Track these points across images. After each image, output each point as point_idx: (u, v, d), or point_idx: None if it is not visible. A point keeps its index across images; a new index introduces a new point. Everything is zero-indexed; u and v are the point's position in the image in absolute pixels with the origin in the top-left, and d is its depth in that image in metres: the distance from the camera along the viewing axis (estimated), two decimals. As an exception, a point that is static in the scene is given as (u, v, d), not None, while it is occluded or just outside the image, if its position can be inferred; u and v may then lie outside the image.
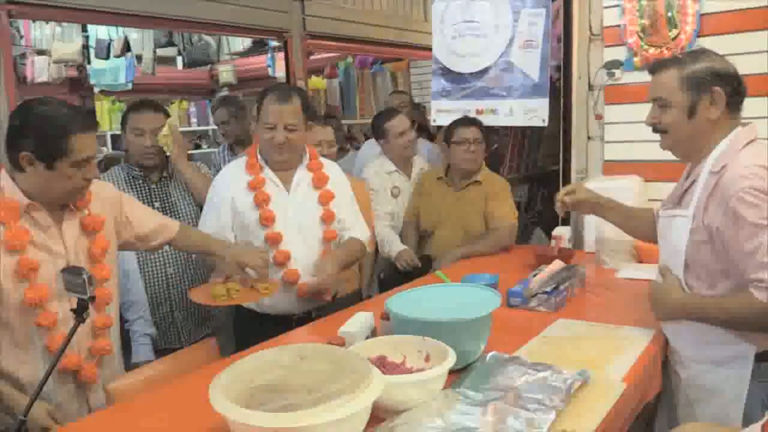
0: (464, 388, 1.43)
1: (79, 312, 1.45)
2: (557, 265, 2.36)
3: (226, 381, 1.20)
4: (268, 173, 2.35)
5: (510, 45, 3.09)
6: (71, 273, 1.50)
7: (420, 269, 3.00)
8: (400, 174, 3.31)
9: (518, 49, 3.07)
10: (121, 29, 5.39)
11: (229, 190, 2.34)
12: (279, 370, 1.25)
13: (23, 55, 5.58)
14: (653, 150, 2.80)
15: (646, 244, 2.61)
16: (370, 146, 3.46)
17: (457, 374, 1.54)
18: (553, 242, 2.75)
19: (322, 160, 2.48)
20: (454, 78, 3.28)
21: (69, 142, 1.65)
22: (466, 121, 3.08)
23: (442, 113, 3.33)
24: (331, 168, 2.50)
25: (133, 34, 5.94)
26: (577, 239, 2.94)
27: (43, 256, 1.71)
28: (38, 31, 5.60)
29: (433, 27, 3.34)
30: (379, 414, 1.32)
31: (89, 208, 1.84)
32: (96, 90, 6.04)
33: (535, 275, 2.25)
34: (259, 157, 2.37)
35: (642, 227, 2.14)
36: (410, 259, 3.06)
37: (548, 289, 2.13)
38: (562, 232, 2.77)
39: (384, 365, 1.48)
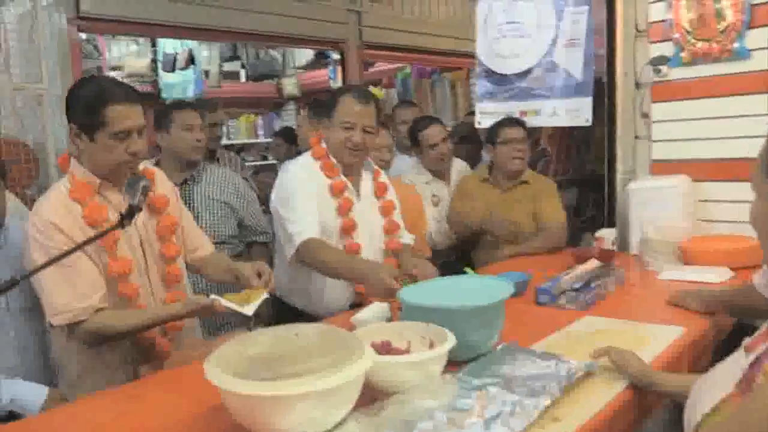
0: (464, 374, 1.41)
1: (126, 216, 1.56)
2: (592, 264, 2.29)
3: (221, 353, 1.24)
4: (344, 178, 2.28)
5: (553, 45, 3.04)
6: (134, 179, 1.63)
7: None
8: (437, 181, 3.27)
9: (562, 49, 3.02)
10: (186, 44, 5.64)
11: (315, 189, 2.22)
12: (270, 343, 1.27)
13: (99, 70, 5.97)
14: (702, 148, 2.72)
15: (691, 245, 2.51)
16: (401, 160, 3.45)
17: (466, 365, 1.52)
18: (595, 244, 2.67)
19: (375, 165, 2.48)
20: (498, 79, 3.26)
21: (105, 112, 1.67)
22: (511, 122, 3.05)
23: (485, 116, 3.30)
24: (384, 175, 2.50)
25: (204, 52, 6.24)
26: (623, 242, 2.84)
27: (118, 233, 1.76)
28: (115, 48, 5.97)
29: (477, 28, 3.33)
30: (377, 396, 1.33)
31: (153, 189, 1.88)
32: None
33: (567, 274, 2.19)
34: (332, 159, 2.28)
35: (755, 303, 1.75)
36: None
37: (577, 286, 2.07)
38: (604, 233, 2.69)
39: (387, 350, 1.47)
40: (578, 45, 2.96)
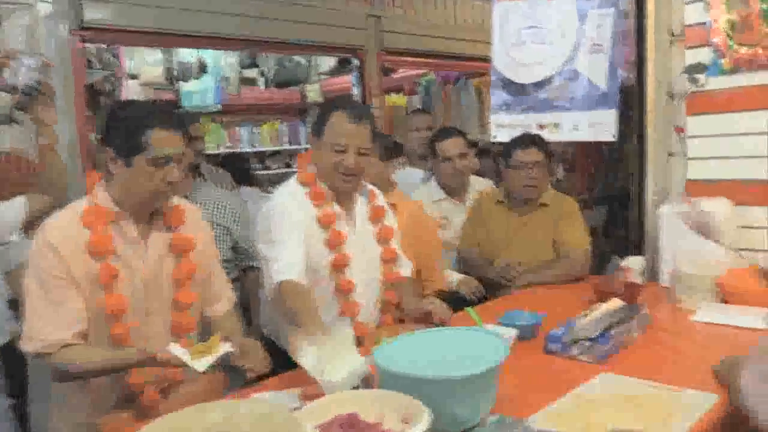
0: (440, 465, 1.16)
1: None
2: (614, 304, 2.00)
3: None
4: (335, 206, 2.05)
5: (575, 51, 2.74)
6: None
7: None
8: (450, 201, 2.97)
9: (584, 55, 2.72)
10: (199, 52, 5.56)
11: (302, 219, 1.99)
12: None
13: (119, 80, 5.92)
14: (745, 167, 2.41)
15: (731, 281, 2.20)
16: (409, 173, 3.21)
17: (449, 441, 1.27)
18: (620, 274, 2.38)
19: (370, 186, 2.23)
20: (515, 89, 2.97)
21: (145, 137, 1.58)
22: (525, 141, 2.72)
23: (501, 128, 3.02)
24: (380, 197, 2.25)
25: (230, 58, 6.15)
26: (653, 271, 2.53)
27: (122, 267, 1.63)
28: (137, 57, 5.89)
29: (492, 34, 3.05)
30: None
31: (180, 229, 1.74)
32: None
33: (584, 316, 1.91)
34: (321, 185, 2.05)
35: None
36: (475, 287, 2.69)
37: (594, 334, 1.79)
38: (631, 263, 2.39)
39: (353, 426, 1.24)
40: (603, 51, 2.65)
